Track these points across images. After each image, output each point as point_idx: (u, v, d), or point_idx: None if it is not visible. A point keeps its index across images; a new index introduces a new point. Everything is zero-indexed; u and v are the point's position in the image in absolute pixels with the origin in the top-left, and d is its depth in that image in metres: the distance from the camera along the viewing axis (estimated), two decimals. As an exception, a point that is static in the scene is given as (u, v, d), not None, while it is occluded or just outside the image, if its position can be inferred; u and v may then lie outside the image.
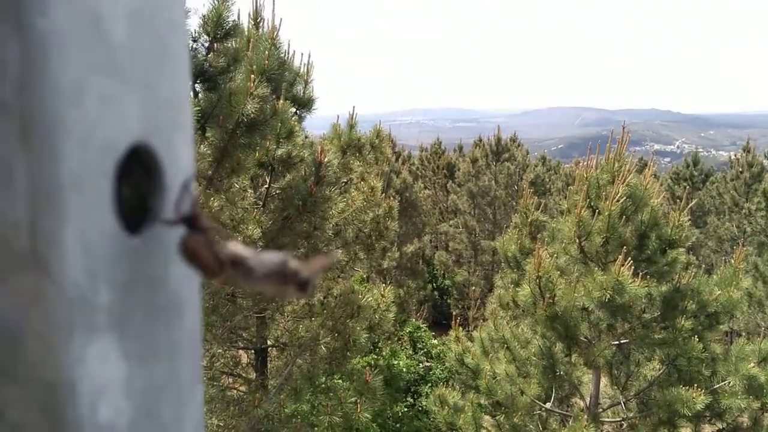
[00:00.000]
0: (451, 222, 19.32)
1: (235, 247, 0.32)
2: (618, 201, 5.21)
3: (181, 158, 0.35)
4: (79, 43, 0.27)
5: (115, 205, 0.30)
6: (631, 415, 6.36)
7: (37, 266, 0.26)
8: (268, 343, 6.03)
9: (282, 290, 0.31)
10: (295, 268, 0.31)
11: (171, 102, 0.34)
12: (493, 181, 17.90)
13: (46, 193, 0.26)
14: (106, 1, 0.28)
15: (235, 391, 5.66)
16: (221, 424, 5.31)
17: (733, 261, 5.81)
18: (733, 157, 20.30)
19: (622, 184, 5.25)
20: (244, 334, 5.85)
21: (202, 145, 4.98)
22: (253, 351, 6.15)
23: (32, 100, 0.25)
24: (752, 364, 5.79)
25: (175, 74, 0.35)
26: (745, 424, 6.41)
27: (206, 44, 5.20)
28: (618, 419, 6.44)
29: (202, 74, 5.07)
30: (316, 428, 5.33)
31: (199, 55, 5.13)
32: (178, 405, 0.35)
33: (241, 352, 6.37)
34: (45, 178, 0.26)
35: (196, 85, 5.07)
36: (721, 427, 6.22)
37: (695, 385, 5.52)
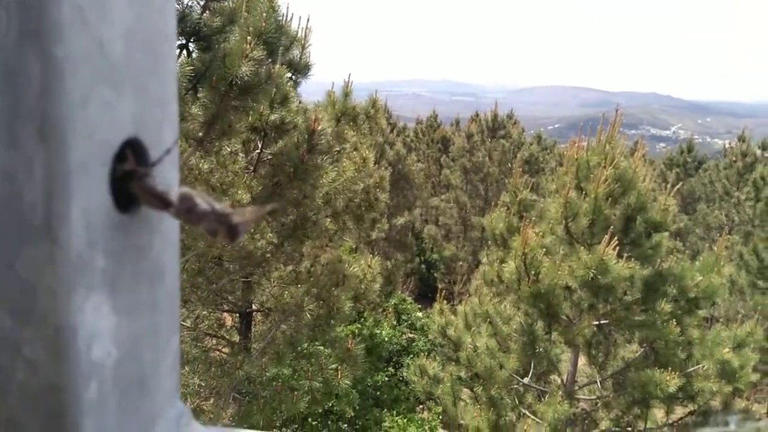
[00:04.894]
0: (442, 196, 19.33)
1: (187, 189, 0.39)
2: (605, 183, 5.22)
3: (167, 145, 0.42)
4: (87, 63, 0.34)
5: (110, 188, 0.36)
6: (606, 393, 6.49)
7: (49, 237, 0.33)
8: (253, 307, 6.07)
9: (215, 230, 0.37)
10: (228, 212, 0.36)
11: (160, 100, 0.41)
12: (486, 158, 17.85)
13: (58, 179, 0.33)
14: (107, 27, 0.35)
15: (218, 353, 5.72)
16: (203, 384, 5.38)
17: (716, 248, 5.88)
18: (727, 145, 20.33)
19: (611, 166, 5.26)
20: (229, 298, 5.88)
21: (193, 106, 4.92)
22: (237, 314, 6.20)
23: (49, 107, 0.32)
24: (727, 350, 5.90)
25: (164, 76, 0.41)
26: (717, 408, 6.53)
27: (201, 2, 5.10)
28: (593, 397, 6.57)
29: (196, 33, 4.98)
30: (296, 392, 5.42)
31: (194, 14, 5.03)
32: (157, 350, 0.42)
33: (225, 314, 6.41)
34: (57, 168, 0.33)
35: (190, 44, 4.98)
36: (692, 409, 6.36)
37: (670, 367, 5.62)
